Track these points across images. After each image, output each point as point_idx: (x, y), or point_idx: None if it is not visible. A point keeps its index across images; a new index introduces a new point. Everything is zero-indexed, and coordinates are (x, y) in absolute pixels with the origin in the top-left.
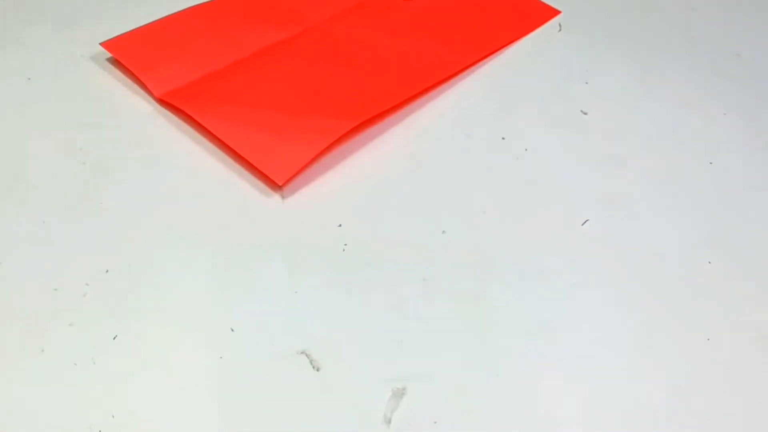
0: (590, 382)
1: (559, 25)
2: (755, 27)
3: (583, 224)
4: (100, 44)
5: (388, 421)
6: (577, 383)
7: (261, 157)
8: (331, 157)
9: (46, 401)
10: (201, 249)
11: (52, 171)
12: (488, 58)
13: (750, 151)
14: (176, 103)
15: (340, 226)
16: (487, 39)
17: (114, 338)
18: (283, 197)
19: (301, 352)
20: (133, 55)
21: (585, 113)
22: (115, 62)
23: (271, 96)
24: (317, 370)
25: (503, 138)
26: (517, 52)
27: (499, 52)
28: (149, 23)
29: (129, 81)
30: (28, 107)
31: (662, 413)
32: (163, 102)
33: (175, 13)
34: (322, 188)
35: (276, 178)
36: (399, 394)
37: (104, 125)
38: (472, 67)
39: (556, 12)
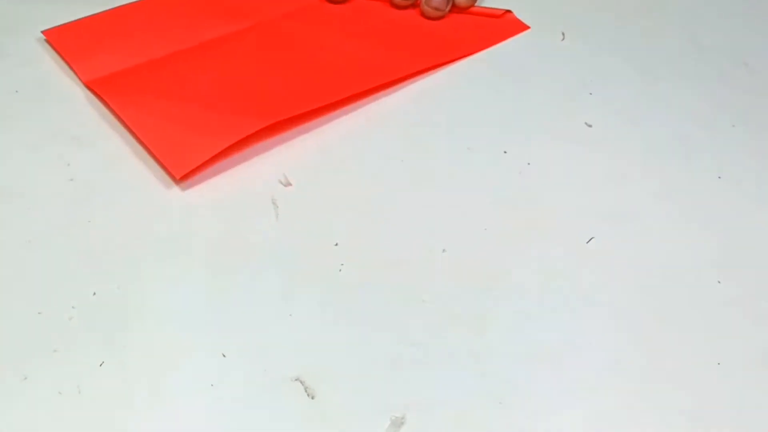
0: (596, 408)
1: (563, 34)
2: (763, 35)
3: (588, 242)
4: (42, 32)
5: None
6: (582, 410)
7: (163, 149)
8: (324, 172)
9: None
10: (192, 270)
11: (38, 188)
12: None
13: (760, 164)
14: (98, 91)
15: (336, 245)
16: (441, 48)
17: (101, 365)
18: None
19: (296, 379)
20: (70, 43)
21: (589, 125)
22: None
23: (196, 89)
24: (312, 397)
25: (505, 152)
26: (520, 62)
27: (452, 62)
28: (95, 14)
29: None
30: (15, 121)
31: None
32: (90, 88)
33: (123, 5)
34: (318, 207)
35: (174, 171)
36: (398, 423)
37: (93, 139)
38: (473, 75)
39: (524, 27)
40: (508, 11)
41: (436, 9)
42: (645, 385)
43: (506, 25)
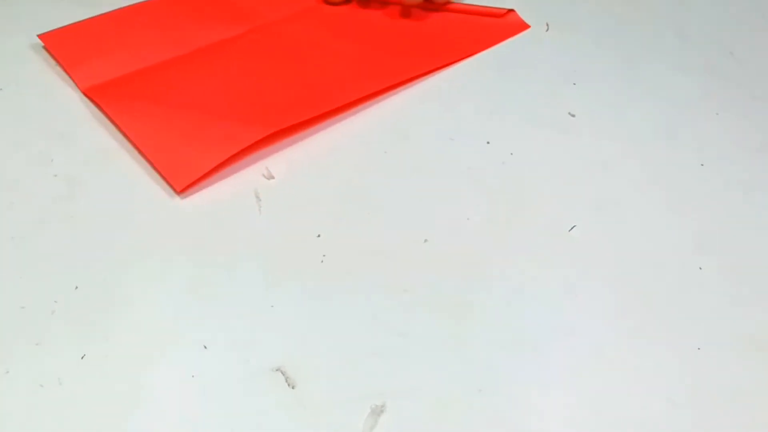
0: (578, 395)
1: (547, 24)
2: (748, 24)
3: (570, 230)
4: (38, 36)
5: None
6: (564, 397)
7: (164, 161)
8: (307, 164)
9: (10, 426)
10: (175, 262)
11: (22, 183)
12: (471, 58)
13: (743, 153)
14: (96, 99)
15: (318, 236)
16: (442, 50)
17: (82, 357)
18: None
19: (276, 369)
20: (66, 47)
21: (572, 115)
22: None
23: (195, 97)
24: (293, 387)
25: (488, 142)
26: (503, 51)
27: (454, 64)
28: (91, 17)
29: None
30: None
31: (654, 426)
32: (88, 96)
33: (119, 9)
34: (300, 199)
35: (175, 184)
36: (378, 412)
37: (77, 136)
38: (455, 66)
39: (525, 26)
40: (511, 10)
41: None
42: (627, 373)
43: (508, 25)
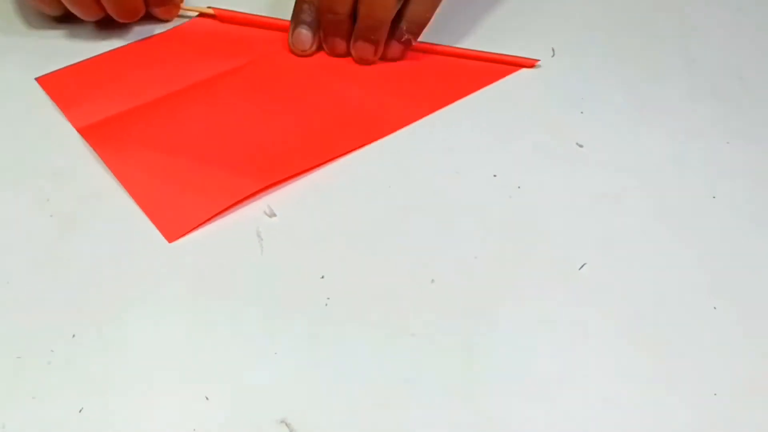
0: None
1: (552, 50)
2: (757, 47)
3: (580, 268)
4: (35, 79)
5: None
6: None
7: (156, 210)
8: (309, 202)
9: None
10: (174, 309)
11: (15, 224)
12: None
13: (755, 183)
14: (89, 138)
15: (322, 278)
16: (447, 91)
17: (80, 411)
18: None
19: (281, 421)
20: (62, 88)
21: (581, 146)
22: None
23: (189, 138)
24: None
25: (495, 175)
26: (508, 80)
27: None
28: (91, 57)
29: None
30: None
31: None
32: (83, 136)
33: (118, 48)
34: (303, 238)
35: (167, 235)
36: None
37: (74, 174)
38: (461, 98)
39: (532, 62)
40: (537, 60)
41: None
42: (642, 421)
43: (517, 61)
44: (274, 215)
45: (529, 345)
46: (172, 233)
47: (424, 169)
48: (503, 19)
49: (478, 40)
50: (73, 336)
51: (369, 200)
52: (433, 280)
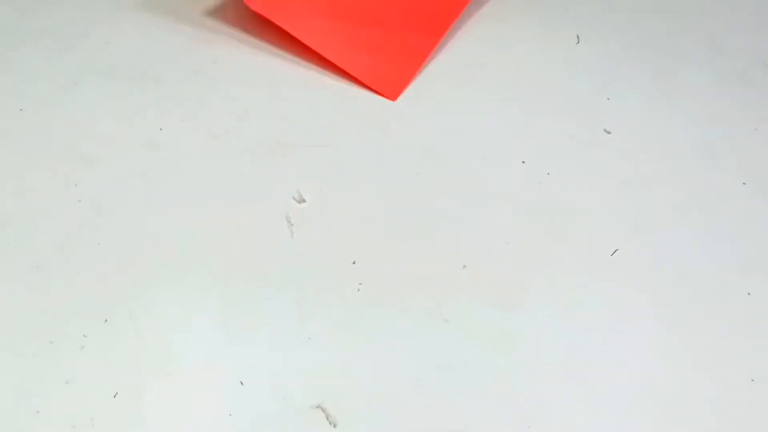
0: (629, 429)
1: (577, 37)
2: None
3: (612, 254)
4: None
5: None
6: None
7: (369, 75)
8: (338, 187)
9: None
10: (206, 294)
11: (45, 210)
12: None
13: None
14: (266, 14)
15: (354, 263)
16: None
17: (114, 396)
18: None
19: (317, 406)
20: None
21: (608, 132)
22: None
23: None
24: (334, 425)
25: (523, 161)
26: (533, 67)
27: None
28: None
29: (128, 108)
30: (19, 140)
31: None
32: (257, 14)
33: None
34: (333, 223)
35: (389, 94)
36: None
37: (101, 158)
38: (484, 84)
39: None
40: None
41: None
42: (677, 404)
43: None
44: (304, 201)
45: (564, 331)
46: (392, 92)
47: (450, 155)
48: (529, 5)
49: None
50: (105, 321)
51: (396, 186)
52: (464, 266)
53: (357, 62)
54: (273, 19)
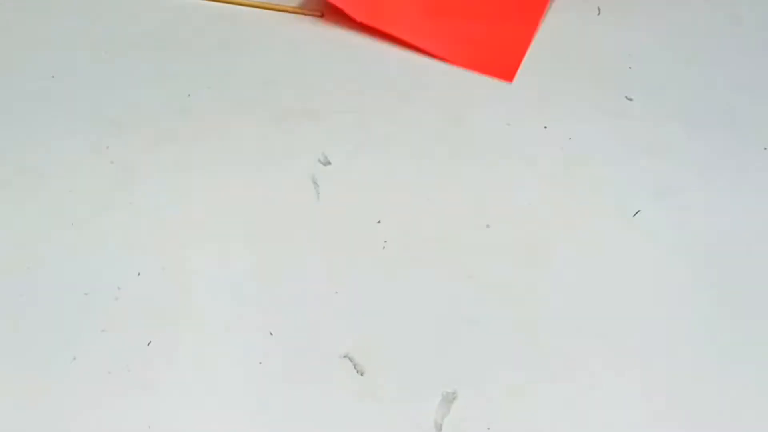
0: (651, 382)
1: (598, 8)
2: None
3: (634, 215)
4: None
5: (439, 428)
6: (637, 384)
7: (477, 61)
8: (362, 149)
9: (80, 413)
10: (236, 248)
11: (79, 171)
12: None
13: None
14: (367, 21)
15: (379, 222)
16: None
17: (148, 344)
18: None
19: (344, 356)
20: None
21: (630, 99)
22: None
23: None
24: (361, 374)
25: (545, 127)
26: (555, 36)
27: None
28: None
29: (157, 75)
30: (53, 105)
31: (734, 411)
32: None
33: None
34: (358, 184)
35: (505, 76)
36: (449, 399)
37: (130, 122)
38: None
39: None
40: None
41: None
42: (696, 360)
43: None
44: (329, 163)
45: (587, 287)
46: (507, 74)
47: (474, 120)
48: None
49: None
50: (138, 274)
51: (420, 149)
52: (488, 225)
53: (464, 54)
54: (373, 24)
